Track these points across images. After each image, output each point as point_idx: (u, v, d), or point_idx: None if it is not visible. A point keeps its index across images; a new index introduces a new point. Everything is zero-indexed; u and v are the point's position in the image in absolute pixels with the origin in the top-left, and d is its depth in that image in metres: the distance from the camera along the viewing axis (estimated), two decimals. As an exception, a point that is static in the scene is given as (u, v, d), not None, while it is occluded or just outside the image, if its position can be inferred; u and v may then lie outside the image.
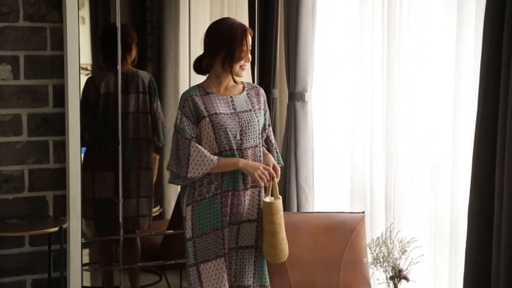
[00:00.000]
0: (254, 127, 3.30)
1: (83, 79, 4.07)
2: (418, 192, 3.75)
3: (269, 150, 3.43)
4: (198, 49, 4.32)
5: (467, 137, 3.42)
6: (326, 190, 4.26)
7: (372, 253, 3.46)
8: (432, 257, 3.64)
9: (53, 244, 3.96)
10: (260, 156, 3.32)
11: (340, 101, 4.16)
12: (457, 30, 3.48)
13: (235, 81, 3.33)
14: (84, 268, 4.09)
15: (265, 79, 4.45)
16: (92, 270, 4.36)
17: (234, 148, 3.26)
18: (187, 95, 3.30)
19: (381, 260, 3.42)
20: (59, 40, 4.01)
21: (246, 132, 3.28)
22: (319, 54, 4.20)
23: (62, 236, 3.82)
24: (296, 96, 4.15)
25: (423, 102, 3.71)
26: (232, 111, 3.29)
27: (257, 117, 3.33)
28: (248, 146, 3.29)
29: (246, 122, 3.29)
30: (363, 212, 3.86)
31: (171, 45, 4.40)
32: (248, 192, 3.31)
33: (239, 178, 3.27)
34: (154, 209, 4.37)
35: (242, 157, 3.26)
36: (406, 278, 3.40)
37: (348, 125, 4.10)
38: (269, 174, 3.27)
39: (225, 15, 4.54)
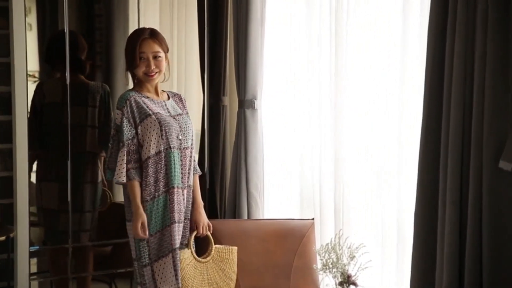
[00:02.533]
0: (190, 129, 3.45)
1: (31, 86, 4.01)
2: (366, 199, 3.80)
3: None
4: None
5: (412, 145, 3.49)
6: (276, 197, 4.29)
7: (321, 259, 3.50)
8: (380, 262, 3.69)
9: (0, 253, 3.90)
10: (190, 157, 3.46)
11: (289, 108, 4.20)
12: (402, 37, 3.55)
13: (148, 85, 3.41)
14: (32, 277, 4.03)
15: (215, 86, 4.46)
16: (40, 279, 4.30)
17: (176, 147, 3.37)
18: (128, 95, 3.36)
19: (331, 266, 3.46)
20: (5, 47, 3.95)
21: (184, 133, 3.40)
22: (269, 62, 4.24)
23: (9, 245, 3.77)
24: (246, 104, 4.18)
25: (370, 110, 3.77)
26: (168, 114, 3.40)
27: (189, 120, 3.48)
28: (186, 146, 3.41)
29: (184, 124, 3.42)
30: (313, 219, 3.90)
31: (121, 52, 4.37)
32: (185, 191, 3.42)
33: (180, 177, 3.37)
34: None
35: (181, 156, 3.38)
36: (354, 284, 3.44)
37: (298, 132, 4.14)
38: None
39: (175, 23, 4.54)
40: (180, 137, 3.38)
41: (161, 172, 3.34)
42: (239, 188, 4.17)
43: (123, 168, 3.31)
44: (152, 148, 3.32)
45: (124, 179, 3.31)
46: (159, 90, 3.47)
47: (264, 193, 4.21)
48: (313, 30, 4.00)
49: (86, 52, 4.16)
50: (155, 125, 3.32)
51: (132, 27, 4.29)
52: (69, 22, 4.07)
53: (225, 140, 4.48)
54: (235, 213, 4.20)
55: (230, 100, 4.51)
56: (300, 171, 4.13)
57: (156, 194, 3.33)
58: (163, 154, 3.35)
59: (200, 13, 4.41)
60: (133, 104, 3.33)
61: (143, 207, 3.32)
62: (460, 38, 3.00)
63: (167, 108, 3.43)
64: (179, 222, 3.37)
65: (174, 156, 3.36)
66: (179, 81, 4.56)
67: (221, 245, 3.59)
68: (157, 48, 3.37)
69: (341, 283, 3.45)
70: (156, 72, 3.37)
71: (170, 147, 3.34)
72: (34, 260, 4.12)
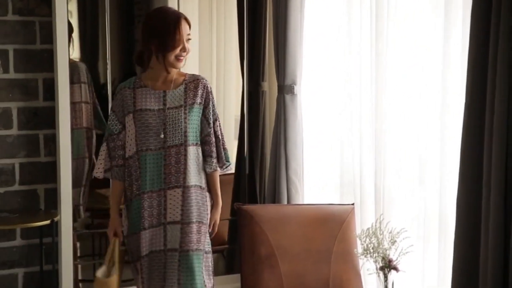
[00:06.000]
0: (179, 125, 3.16)
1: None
2: (407, 184, 3.78)
3: (214, 146, 3.27)
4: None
5: (455, 130, 3.45)
6: (316, 182, 4.29)
7: (362, 244, 3.49)
8: (422, 247, 3.68)
9: (44, 237, 3.97)
10: (185, 155, 3.17)
11: (329, 93, 4.19)
12: (444, 25, 3.51)
13: (167, 71, 3.18)
14: (76, 261, 4.09)
15: (255, 72, 4.47)
16: (84, 263, 4.37)
17: (153, 148, 3.15)
18: (120, 87, 3.24)
19: (371, 251, 3.45)
20: (48, 34, 4.01)
21: (170, 130, 3.16)
22: (308, 47, 4.23)
23: (54, 229, 3.83)
24: (285, 89, 4.18)
25: (411, 94, 3.74)
26: (161, 107, 3.17)
27: (185, 113, 3.18)
28: (171, 144, 3.16)
29: (171, 120, 3.16)
30: (353, 204, 3.90)
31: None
32: (171, 192, 3.19)
33: (158, 180, 3.17)
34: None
35: (165, 155, 3.15)
36: (396, 268, 3.43)
37: (338, 117, 4.13)
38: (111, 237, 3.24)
39: (214, 10, 4.55)
40: (162, 135, 3.15)
41: (134, 175, 3.18)
42: (279, 174, 4.18)
43: (101, 163, 3.22)
44: (129, 150, 3.19)
45: (100, 175, 3.23)
46: (174, 75, 3.22)
47: (304, 178, 4.21)
48: (354, 13, 3.98)
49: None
50: (131, 124, 3.18)
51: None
52: (110, 10, 4.11)
53: (264, 126, 4.49)
54: (275, 199, 4.21)
55: (270, 86, 4.52)
56: (341, 155, 4.12)
57: (131, 197, 3.19)
58: (136, 157, 3.17)
59: (240, -1, 4.42)
60: (122, 97, 3.19)
61: (126, 206, 3.23)
62: (504, 31, 2.95)
63: (164, 100, 3.18)
64: (152, 227, 3.18)
65: (146, 159, 3.15)
66: (218, 67, 4.58)
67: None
68: (189, 30, 3.20)
69: (382, 268, 3.44)
70: (185, 56, 3.19)
71: (143, 150, 3.15)
72: (77, 244, 4.18)
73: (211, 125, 3.25)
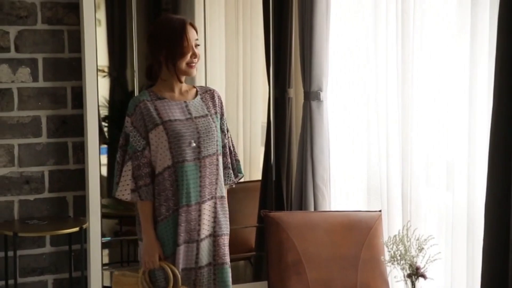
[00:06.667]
0: (212, 134, 3.08)
1: (101, 80, 4.11)
2: (434, 190, 3.76)
3: (229, 157, 3.20)
4: (213, 51, 4.38)
5: (482, 135, 3.42)
6: (343, 189, 4.28)
7: (389, 251, 3.48)
8: (450, 254, 3.64)
9: (73, 244, 4.02)
10: (217, 165, 3.09)
11: (355, 99, 4.18)
12: (471, 29, 3.49)
13: (180, 81, 3.08)
14: (104, 268, 4.13)
15: (280, 78, 4.48)
16: (112, 270, 4.40)
17: (189, 158, 3.02)
18: (138, 100, 3.04)
19: (399, 258, 3.43)
20: (76, 43, 4.05)
21: (204, 140, 3.05)
22: (334, 53, 4.22)
23: (82, 236, 3.87)
24: (311, 95, 4.18)
25: (438, 100, 3.71)
26: (188, 116, 3.06)
27: (214, 122, 3.11)
28: (206, 154, 3.05)
29: (204, 129, 3.06)
30: (380, 211, 3.88)
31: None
32: (211, 204, 3.10)
33: (195, 193, 3.04)
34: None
35: (200, 167, 3.03)
36: (423, 276, 3.41)
37: (364, 123, 4.12)
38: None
39: (240, 17, 4.57)
40: (195, 144, 3.03)
41: (171, 190, 3.01)
42: (305, 180, 4.17)
43: (127, 184, 3.00)
44: (160, 164, 3.00)
45: (128, 197, 3.01)
46: (185, 87, 3.13)
47: (330, 184, 4.20)
48: (380, 18, 3.96)
49: None
50: (162, 136, 3.00)
51: (198, 20, 4.35)
52: (137, 18, 4.14)
53: (290, 132, 4.50)
54: (302, 205, 4.21)
55: (296, 93, 4.52)
56: (367, 162, 4.11)
57: (167, 214, 3.02)
58: (172, 169, 3.01)
59: (265, 5, 4.43)
60: (143, 110, 3.01)
61: (154, 229, 3.03)
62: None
63: (188, 110, 3.08)
64: (186, 242, 3.05)
65: (184, 170, 3.01)
66: (244, 74, 4.59)
67: None
68: (196, 35, 3.06)
69: (409, 275, 3.42)
70: (196, 62, 3.06)
71: (179, 161, 3.00)
72: (105, 251, 4.22)
73: (226, 135, 3.21)
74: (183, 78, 3.08)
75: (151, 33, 3.07)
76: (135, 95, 4.13)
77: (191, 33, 3.03)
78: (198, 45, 3.07)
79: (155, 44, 3.03)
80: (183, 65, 3.02)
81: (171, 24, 3.02)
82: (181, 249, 3.04)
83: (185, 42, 2.99)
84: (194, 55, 3.03)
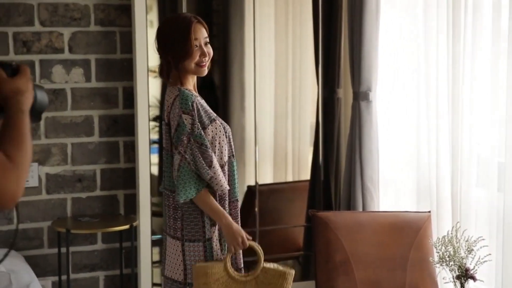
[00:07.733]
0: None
1: (151, 81, 4.16)
2: (485, 191, 3.71)
3: None
4: (263, 51, 4.39)
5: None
6: (392, 189, 4.25)
7: (438, 252, 3.44)
8: (501, 257, 3.59)
9: (124, 241, 4.08)
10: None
11: (404, 99, 4.15)
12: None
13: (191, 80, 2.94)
14: (154, 265, 4.19)
15: (329, 79, 4.48)
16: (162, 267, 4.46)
17: (233, 155, 2.98)
18: (192, 96, 2.86)
19: (447, 259, 3.40)
20: (128, 44, 4.12)
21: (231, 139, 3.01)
22: (384, 53, 4.20)
23: (133, 234, 3.94)
24: (360, 96, 4.16)
25: (489, 100, 3.66)
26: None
27: None
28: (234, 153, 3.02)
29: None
30: (429, 212, 3.85)
31: (237, 48, 4.46)
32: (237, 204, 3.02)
33: (237, 188, 2.98)
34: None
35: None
36: (473, 278, 3.37)
37: (413, 124, 4.08)
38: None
39: (290, 18, 4.58)
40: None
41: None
42: (354, 181, 4.16)
43: (222, 176, 2.86)
44: (221, 158, 2.89)
45: (228, 186, 2.90)
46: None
47: (379, 185, 4.18)
48: (430, 17, 3.93)
49: None
50: (220, 131, 2.88)
51: (248, 21, 4.37)
52: (188, 19, 4.18)
53: (339, 133, 4.49)
54: (350, 206, 4.20)
55: (345, 93, 4.51)
56: (416, 162, 4.07)
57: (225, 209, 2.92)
58: (227, 165, 2.94)
59: (315, 5, 4.43)
60: (199, 106, 2.86)
61: (217, 226, 2.90)
62: None
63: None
64: None
65: (235, 165, 2.97)
66: (293, 74, 4.60)
67: (272, 265, 3.00)
68: (205, 33, 2.90)
69: (458, 277, 3.39)
70: (207, 61, 2.90)
71: (233, 155, 2.96)
72: (155, 249, 4.28)
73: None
74: (202, 74, 2.94)
75: (157, 34, 2.94)
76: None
77: (199, 32, 2.87)
78: (208, 42, 2.91)
79: (162, 45, 2.91)
80: (192, 65, 2.86)
81: (176, 23, 2.88)
82: None
83: (190, 41, 2.84)
84: (204, 54, 2.87)
